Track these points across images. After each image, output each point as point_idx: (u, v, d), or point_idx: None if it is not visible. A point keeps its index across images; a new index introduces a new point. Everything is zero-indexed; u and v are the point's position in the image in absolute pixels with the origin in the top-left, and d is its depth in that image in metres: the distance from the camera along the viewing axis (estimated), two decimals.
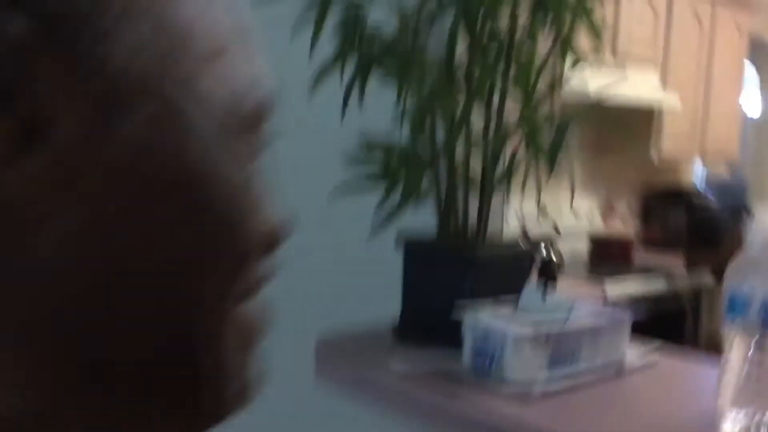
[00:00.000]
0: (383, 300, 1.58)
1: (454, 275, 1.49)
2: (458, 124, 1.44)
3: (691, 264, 4.10)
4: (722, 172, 5.07)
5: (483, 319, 1.41)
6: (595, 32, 1.42)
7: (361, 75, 1.41)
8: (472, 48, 1.42)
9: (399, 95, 1.42)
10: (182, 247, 0.31)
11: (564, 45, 1.42)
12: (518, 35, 1.44)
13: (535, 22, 1.42)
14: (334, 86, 1.42)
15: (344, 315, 1.60)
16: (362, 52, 1.41)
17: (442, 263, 1.53)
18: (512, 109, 1.47)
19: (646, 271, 4.08)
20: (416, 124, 1.43)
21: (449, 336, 1.44)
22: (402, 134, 1.46)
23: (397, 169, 1.45)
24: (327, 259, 1.99)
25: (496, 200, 1.55)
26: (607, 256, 4.18)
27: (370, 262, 1.75)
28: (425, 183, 1.49)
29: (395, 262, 1.55)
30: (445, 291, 1.48)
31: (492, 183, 1.50)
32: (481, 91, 1.44)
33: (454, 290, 1.47)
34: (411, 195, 1.45)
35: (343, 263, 2.01)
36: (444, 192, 1.50)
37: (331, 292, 1.99)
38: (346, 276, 2.00)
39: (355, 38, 1.41)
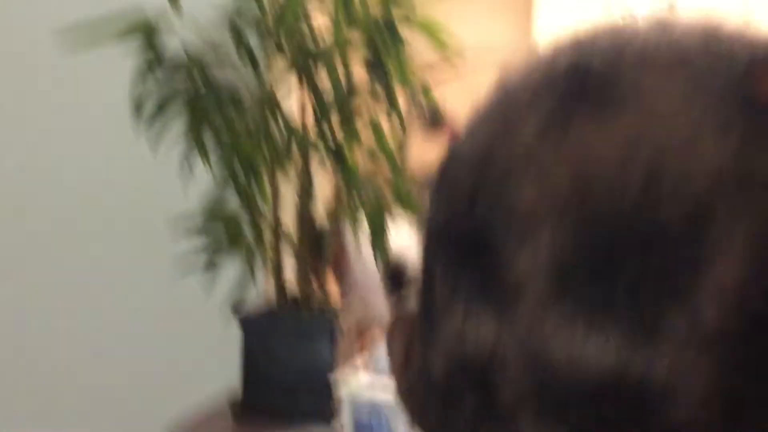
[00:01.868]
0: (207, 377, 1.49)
1: (305, 347, 1.42)
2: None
3: None
4: None
5: (363, 391, 1.34)
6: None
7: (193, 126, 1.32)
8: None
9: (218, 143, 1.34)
10: None
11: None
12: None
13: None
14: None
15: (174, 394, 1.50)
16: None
17: (289, 335, 1.44)
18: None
19: None
20: (229, 175, 1.34)
21: (304, 410, 1.40)
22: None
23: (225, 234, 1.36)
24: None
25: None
26: None
27: (193, 338, 1.64)
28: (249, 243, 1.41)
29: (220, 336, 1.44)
30: (295, 364, 1.42)
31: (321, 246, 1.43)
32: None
33: (305, 362, 1.41)
34: (222, 253, 1.37)
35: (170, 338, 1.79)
36: (273, 253, 1.43)
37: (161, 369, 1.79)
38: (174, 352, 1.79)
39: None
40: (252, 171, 1.36)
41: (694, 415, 0.23)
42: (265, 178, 1.39)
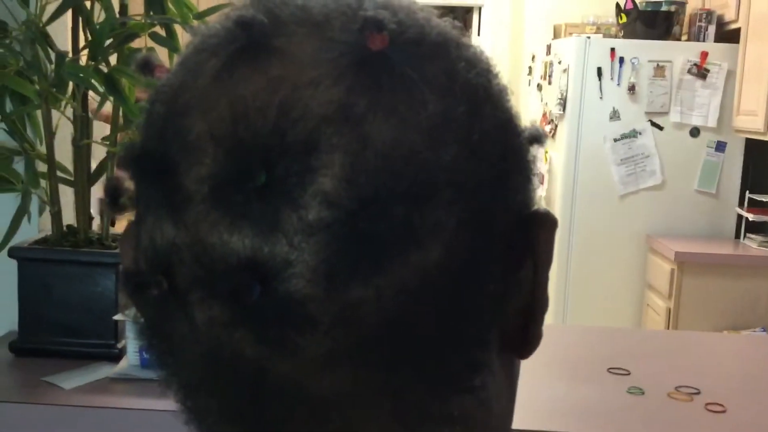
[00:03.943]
0: None
1: (86, 285, 1.40)
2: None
3: None
4: None
5: None
6: None
7: None
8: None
9: None
10: None
11: None
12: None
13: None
14: None
15: None
16: None
17: (69, 272, 1.40)
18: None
19: None
20: None
21: (89, 352, 1.40)
22: None
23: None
24: None
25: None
26: None
27: None
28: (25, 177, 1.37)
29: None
30: (77, 302, 1.39)
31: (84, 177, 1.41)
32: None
33: (87, 301, 1.39)
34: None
35: None
36: (49, 187, 1.40)
37: None
38: None
39: None
40: (23, 105, 1.32)
41: (305, 285, 0.30)
42: (39, 112, 1.36)
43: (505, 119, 0.35)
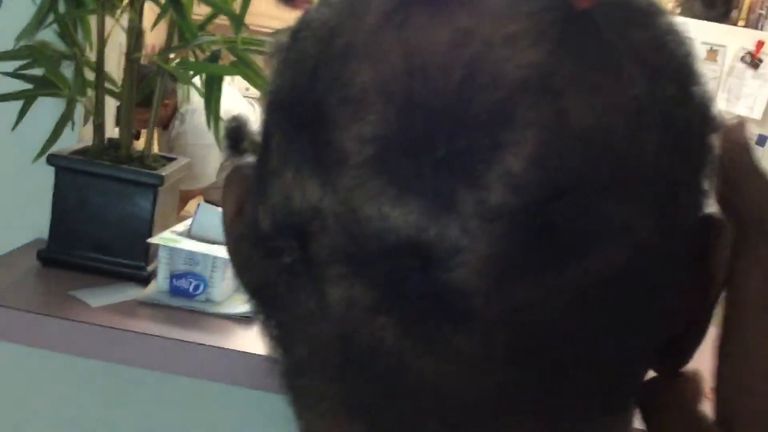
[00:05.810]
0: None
1: (123, 200, 1.35)
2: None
3: None
4: None
5: (183, 243, 1.32)
6: None
7: None
8: None
9: None
10: None
11: None
12: None
13: None
14: None
15: None
16: None
17: (107, 185, 1.35)
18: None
19: None
20: (50, 8, 1.24)
21: (117, 270, 1.36)
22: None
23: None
24: None
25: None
26: None
27: None
28: (70, 82, 1.31)
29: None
30: (111, 218, 1.35)
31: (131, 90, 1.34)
32: None
33: (122, 217, 1.35)
34: (46, 94, 1.28)
35: None
36: (95, 97, 1.34)
37: None
38: None
39: None
40: (78, 8, 1.26)
41: (472, 276, 0.26)
42: (93, 17, 1.30)
43: (706, 108, 0.31)
